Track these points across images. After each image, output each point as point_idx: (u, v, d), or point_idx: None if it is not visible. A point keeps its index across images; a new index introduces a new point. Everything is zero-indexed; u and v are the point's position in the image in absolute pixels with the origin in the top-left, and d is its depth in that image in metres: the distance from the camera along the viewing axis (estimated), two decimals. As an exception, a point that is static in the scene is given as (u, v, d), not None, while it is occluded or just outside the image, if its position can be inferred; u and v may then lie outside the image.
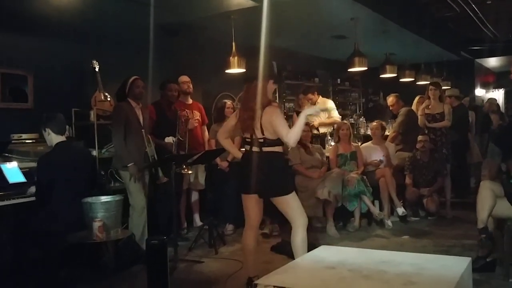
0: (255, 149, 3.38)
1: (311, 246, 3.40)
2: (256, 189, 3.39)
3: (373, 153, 6.10)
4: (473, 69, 11.56)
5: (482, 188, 3.94)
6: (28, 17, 4.80)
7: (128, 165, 4.41)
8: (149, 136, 4.70)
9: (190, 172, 5.12)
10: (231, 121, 3.62)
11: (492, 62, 12.25)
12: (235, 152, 3.77)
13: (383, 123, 6.54)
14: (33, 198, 3.83)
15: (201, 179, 5.78)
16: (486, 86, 12.95)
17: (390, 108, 7.17)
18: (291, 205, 3.43)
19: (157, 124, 5.13)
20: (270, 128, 3.31)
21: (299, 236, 3.39)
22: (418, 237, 5.15)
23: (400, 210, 5.63)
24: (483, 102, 10.70)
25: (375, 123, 6.37)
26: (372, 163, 5.99)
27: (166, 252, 3.31)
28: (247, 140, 3.44)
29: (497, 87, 13.18)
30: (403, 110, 6.76)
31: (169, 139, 5.05)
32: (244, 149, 3.56)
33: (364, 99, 11.05)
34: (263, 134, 3.34)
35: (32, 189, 3.88)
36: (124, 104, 4.56)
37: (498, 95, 12.70)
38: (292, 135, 3.22)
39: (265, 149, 3.35)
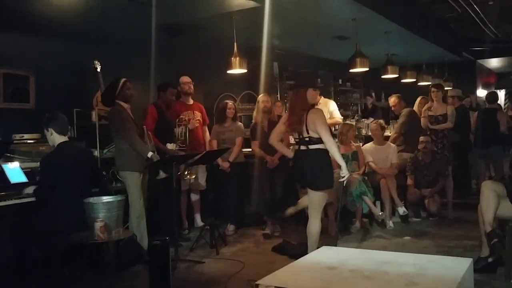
0: (302, 147, 3.86)
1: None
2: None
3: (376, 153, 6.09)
4: (474, 69, 11.54)
5: (485, 189, 3.89)
6: (29, 17, 4.80)
7: (149, 155, 4.34)
8: (149, 133, 4.69)
9: (193, 177, 5.10)
10: (281, 125, 4.07)
11: (494, 63, 12.24)
12: (287, 152, 4.20)
13: (383, 123, 6.52)
14: (34, 198, 3.83)
15: (202, 179, 5.77)
16: (487, 87, 12.94)
17: (392, 108, 7.17)
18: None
19: (157, 125, 5.11)
20: (313, 127, 3.76)
21: (317, 225, 3.92)
22: (420, 238, 5.14)
23: (401, 210, 5.62)
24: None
25: (374, 124, 6.35)
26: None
27: (168, 253, 3.31)
28: (296, 140, 3.96)
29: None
30: (405, 111, 6.75)
31: (171, 146, 5.02)
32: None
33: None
34: (308, 133, 3.78)
35: (29, 189, 3.83)
36: (118, 107, 4.49)
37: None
38: (331, 146, 3.76)
39: (311, 146, 3.80)
